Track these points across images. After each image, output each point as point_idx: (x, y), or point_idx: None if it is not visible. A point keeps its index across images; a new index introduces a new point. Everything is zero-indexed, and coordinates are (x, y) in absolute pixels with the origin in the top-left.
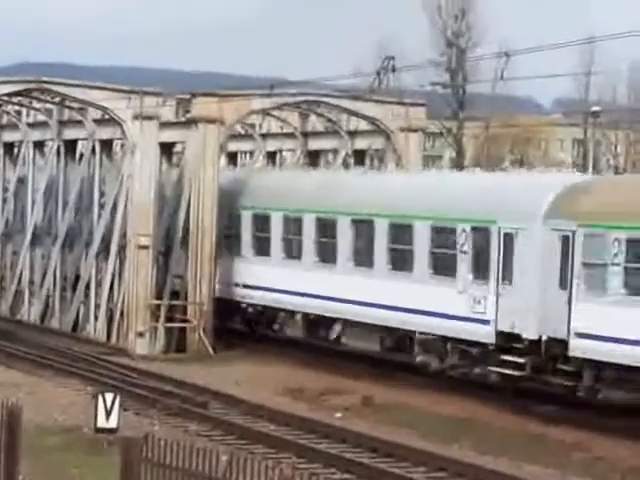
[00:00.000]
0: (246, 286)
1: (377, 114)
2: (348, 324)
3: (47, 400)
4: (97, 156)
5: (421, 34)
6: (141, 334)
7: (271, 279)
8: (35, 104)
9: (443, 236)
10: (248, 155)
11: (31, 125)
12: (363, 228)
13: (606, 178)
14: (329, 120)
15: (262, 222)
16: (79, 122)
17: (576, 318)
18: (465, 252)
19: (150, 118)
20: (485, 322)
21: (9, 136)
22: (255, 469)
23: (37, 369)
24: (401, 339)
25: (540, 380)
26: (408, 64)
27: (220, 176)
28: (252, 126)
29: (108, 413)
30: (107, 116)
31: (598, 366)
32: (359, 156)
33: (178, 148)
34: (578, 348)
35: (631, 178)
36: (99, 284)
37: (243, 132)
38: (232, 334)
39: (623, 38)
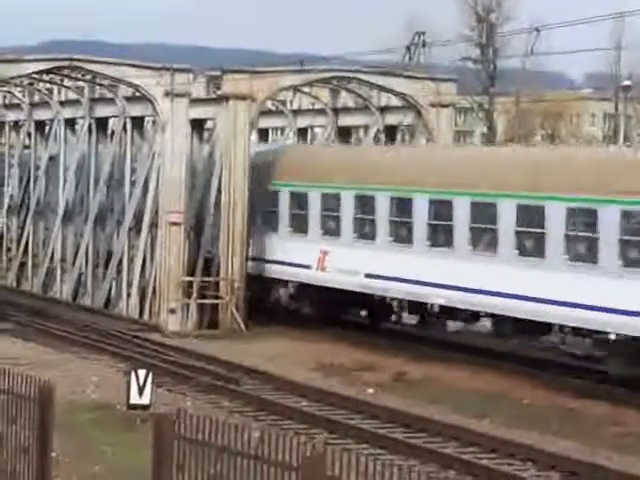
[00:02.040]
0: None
1: (408, 90)
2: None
3: (80, 377)
4: (128, 133)
5: (450, 9)
6: (173, 311)
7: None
8: (66, 82)
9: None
10: (279, 131)
11: (62, 103)
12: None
13: None
14: (360, 96)
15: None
16: (110, 100)
17: None
18: None
19: (181, 95)
20: None
21: (40, 114)
22: (287, 445)
23: (70, 346)
24: None
25: None
26: (438, 39)
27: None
28: (283, 102)
29: (141, 390)
30: (138, 93)
31: None
32: (390, 132)
33: (209, 125)
34: None
35: None
36: (131, 261)
37: (274, 108)
38: (265, 310)
39: None
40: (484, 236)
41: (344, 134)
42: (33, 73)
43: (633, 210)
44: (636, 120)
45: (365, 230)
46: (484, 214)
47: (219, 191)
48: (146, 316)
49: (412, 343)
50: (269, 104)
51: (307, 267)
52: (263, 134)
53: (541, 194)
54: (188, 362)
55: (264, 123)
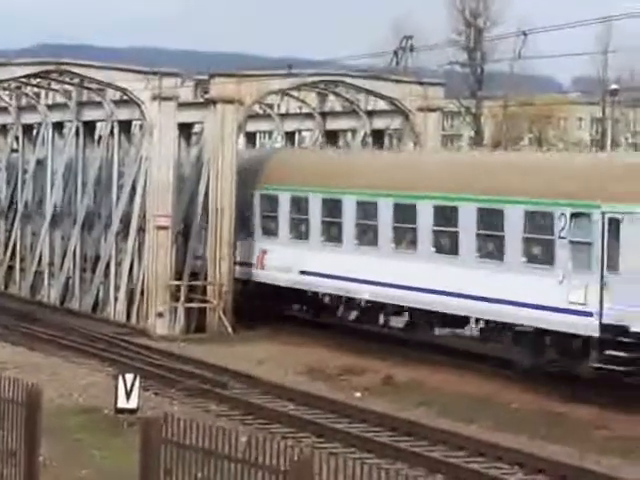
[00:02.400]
0: None
1: (395, 94)
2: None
3: (67, 381)
4: (116, 137)
5: (438, 13)
6: (161, 314)
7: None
8: (54, 85)
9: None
10: (267, 135)
11: (50, 107)
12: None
13: None
14: (347, 100)
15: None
16: (98, 103)
17: None
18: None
19: (169, 99)
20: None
21: (28, 118)
22: (274, 449)
23: (57, 350)
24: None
25: None
26: (426, 44)
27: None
28: (270, 106)
29: (128, 394)
30: (126, 97)
31: None
32: (378, 136)
33: (197, 128)
34: None
35: None
36: (119, 265)
37: (261, 112)
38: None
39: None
40: (405, 235)
41: (332, 138)
42: (21, 77)
43: (534, 210)
44: (624, 124)
45: (300, 230)
46: (405, 214)
47: (207, 195)
48: (134, 320)
49: (399, 347)
50: (257, 108)
51: (250, 265)
52: (251, 138)
53: (454, 195)
54: (175, 366)
55: (252, 127)
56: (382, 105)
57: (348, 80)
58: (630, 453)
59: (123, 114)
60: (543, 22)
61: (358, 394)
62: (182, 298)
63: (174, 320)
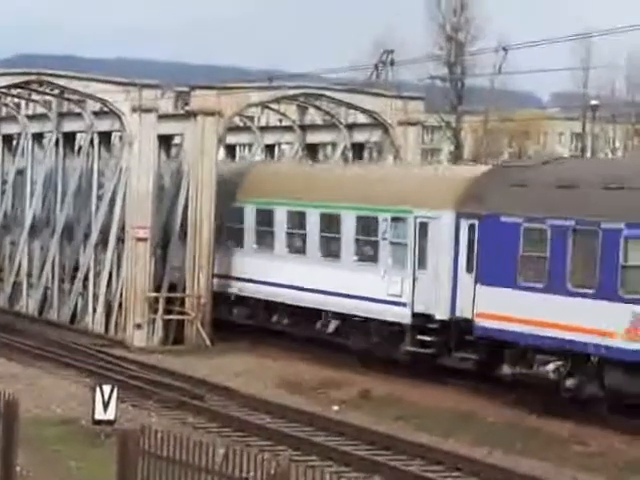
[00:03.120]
0: None
1: (375, 107)
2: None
3: (45, 392)
4: (96, 148)
5: (419, 28)
6: (139, 326)
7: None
8: (34, 96)
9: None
10: (246, 148)
11: (30, 117)
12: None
13: None
14: (327, 113)
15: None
16: (78, 114)
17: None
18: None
19: (149, 110)
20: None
21: (8, 128)
22: (252, 461)
23: (35, 361)
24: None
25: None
26: (406, 58)
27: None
28: (251, 119)
29: (106, 405)
30: (106, 108)
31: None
32: (358, 149)
33: (177, 140)
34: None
35: None
36: (97, 276)
37: (242, 125)
38: (230, 327)
39: (621, 32)
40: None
41: (312, 151)
42: (1, 87)
43: (364, 215)
44: (604, 140)
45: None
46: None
47: (186, 207)
48: (112, 331)
49: (377, 361)
50: (237, 120)
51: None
52: (231, 150)
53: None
54: (153, 378)
55: (232, 139)
56: (362, 118)
57: (328, 93)
58: (606, 469)
59: (103, 125)
60: (523, 37)
61: (336, 407)
62: (160, 310)
63: (152, 332)
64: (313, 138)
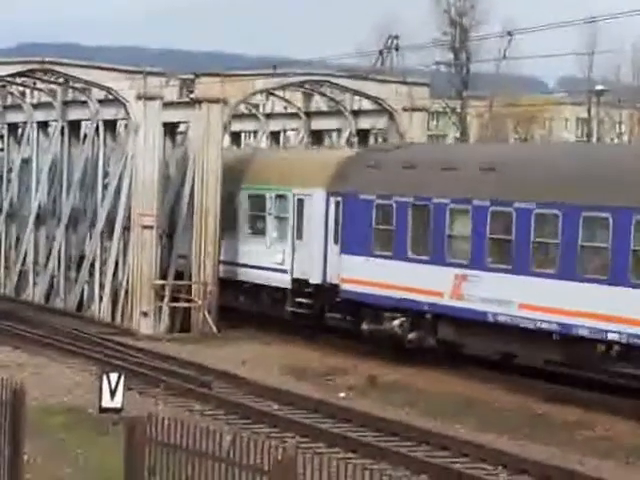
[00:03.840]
0: None
1: (380, 93)
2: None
3: (51, 380)
4: (101, 136)
5: (423, 13)
6: (145, 314)
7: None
8: (39, 85)
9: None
10: (252, 135)
11: (35, 106)
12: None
13: None
14: (332, 100)
15: None
16: (83, 102)
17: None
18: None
19: (153, 98)
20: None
21: (13, 117)
22: (258, 448)
23: (42, 349)
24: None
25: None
26: (411, 44)
27: None
28: (256, 106)
29: (113, 393)
30: (111, 96)
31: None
32: (363, 136)
33: (182, 128)
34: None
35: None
36: (104, 264)
37: (247, 112)
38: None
39: (626, 17)
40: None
41: (317, 138)
42: (5, 76)
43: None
44: (610, 125)
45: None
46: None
47: (192, 194)
48: (118, 319)
49: (383, 347)
50: (242, 107)
51: None
52: (236, 138)
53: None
54: (160, 365)
55: (237, 126)
56: (367, 105)
57: (333, 80)
58: (612, 454)
59: (108, 113)
60: (528, 22)
61: (342, 394)
62: (167, 297)
63: (159, 319)
64: (318, 125)
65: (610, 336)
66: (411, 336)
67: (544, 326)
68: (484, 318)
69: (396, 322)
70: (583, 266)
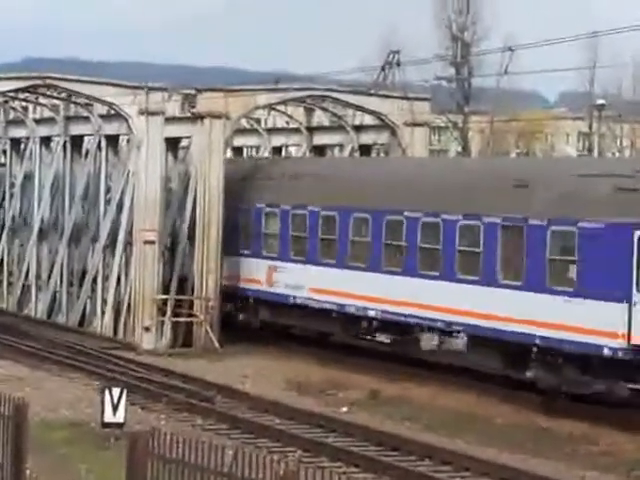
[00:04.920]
0: None
1: (382, 109)
2: None
3: (54, 395)
4: (103, 151)
5: (425, 28)
6: (148, 329)
7: None
8: (41, 100)
9: None
10: (254, 150)
11: (37, 121)
12: None
13: None
14: (334, 115)
15: None
16: (85, 118)
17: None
18: None
19: (156, 113)
20: None
21: (16, 132)
22: (261, 463)
23: (44, 364)
24: None
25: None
26: (413, 58)
27: None
28: (258, 121)
29: (115, 408)
30: (113, 112)
31: None
32: (365, 151)
33: (184, 143)
34: None
35: None
36: (106, 279)
37: (249, 127)
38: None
39: (627, 32)
40: None
41: (319, 153)
42: (8, 91)
43: None
44: (611, 139)
45: None
46: None
47: (194, 209)
48: (121, 334)
49: (385, 361)
50: (244, 122)
51: None
52: (238, 152)
53: None
54: (162, 380)
55: (239, 141)
56: (369, 120)
57: (335, 95)
58: (615, 468)
59: (110, 128)
60: (530, 37)
61: (344, 408)
62: (169, 312)
63: (161, 334)
64: (320, 140)
65: (370, 313)
66: (241, 317)
67: (326, 306)
68: (287, 301)
69: (229, 306)
70: (351, 257)
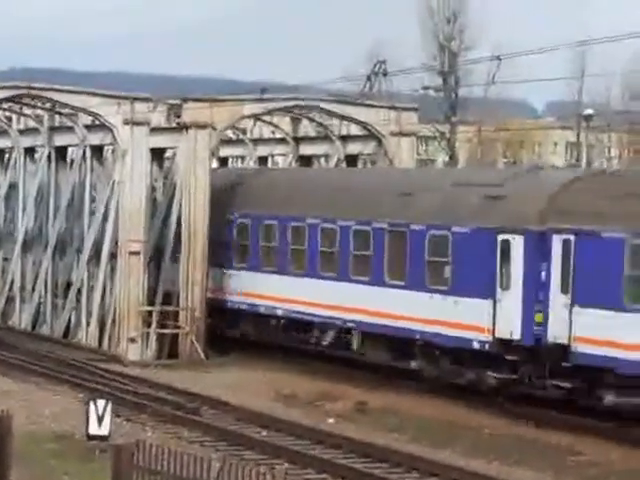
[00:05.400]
0: None
1: (369, 119)
2: None
3: (38, 407)
4: (88, 162)
5: (412, 38)
6: (133, 340)
7: None
8: (25, 110)
9: None
10: (239, 160)
11: (21, 131)
12: None
13: None
14: (321, 125)
15: None
16: (70, 128)
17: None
18: None
19: (141, 123)
20: None
21: None
22: (247, 475)
23: (28, 376)
24: None
25: None
26: (400, 68)
27: None
28: (243, 131)
29: (100, 420)
30: (98, 122)
31: None
32: (351, 161)
33: (169, 153)
34: None
35: None
36: (91, 290)
37: (234, 137)
38: (225, 340)
39: (615, 41)
40: None
41: (305, 163)
42: None
43: None
44: (599, 149)
45: None
46: None
47: (179, 220)
48: (106, 346)
49: (371, 372)
50: (229, 133)
51: None
52: (223, 163)
53: None
54: (148, 392)
55: (225, 152)
56: (355, 130)
57: (321, 105)
58: (602, 479)
59: (95, 139)
60: (517, 46)
61: (331, 420)
62: (154, 324)
63: (146, 346)
64: (306, 150)
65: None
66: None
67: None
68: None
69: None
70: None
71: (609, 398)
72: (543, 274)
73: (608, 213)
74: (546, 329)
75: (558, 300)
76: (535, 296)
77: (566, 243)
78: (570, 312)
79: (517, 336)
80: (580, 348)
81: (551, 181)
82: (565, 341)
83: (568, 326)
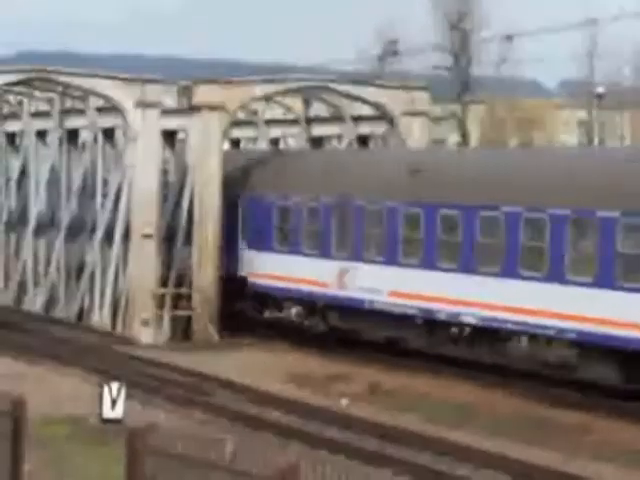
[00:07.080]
0: None
1: (380, 99)
2: None
3: (53, 390)
4: (99, 145)
5: (423, 17)
6: (146, 323)
7: None
8: (37, 93)
9: None
10: (251, 142)
11: (33, 115)
12: None
13: None
14: (332, 105)
15: None
16: (81, 111)
17: None
18: None
19: (152, 106)
20: None
21: (11, 126)
22: (261, 457)
23: (42, 359)
24: None
25: None
26: (411, 48)
27: None
28: (255, 113)
29: (114, 403)
30: (109, 104)
31: None
32: (363, 141)
33: (181, 135)
34: None
35: None
36: (104, 273)
37: (246, 119)
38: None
39: (627, 19)
40: None
41: (317, 144)
42: (3, 85)
43: None
44: (611, 128)
45: None
46: None
47: (191, 202)
48: (119, 328)
49: (383, 353)
50: (241, 114)
51: None
52: (235, 144)
53: None
54: (161, 374)
55: (236, 133)
56: (367, 110)
57: (333, 85)
58: (615, 458)
59: (106, 122)
60: (529, 25)
61: (345, 401)
62: (167, 306)
63: (159, 328)
64: (318, 131)
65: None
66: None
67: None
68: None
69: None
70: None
71: None
72: None
73: None
74: None
75: None
76: None
77: None
78: None
79: None
80: None
81: None
82: None
83: None
